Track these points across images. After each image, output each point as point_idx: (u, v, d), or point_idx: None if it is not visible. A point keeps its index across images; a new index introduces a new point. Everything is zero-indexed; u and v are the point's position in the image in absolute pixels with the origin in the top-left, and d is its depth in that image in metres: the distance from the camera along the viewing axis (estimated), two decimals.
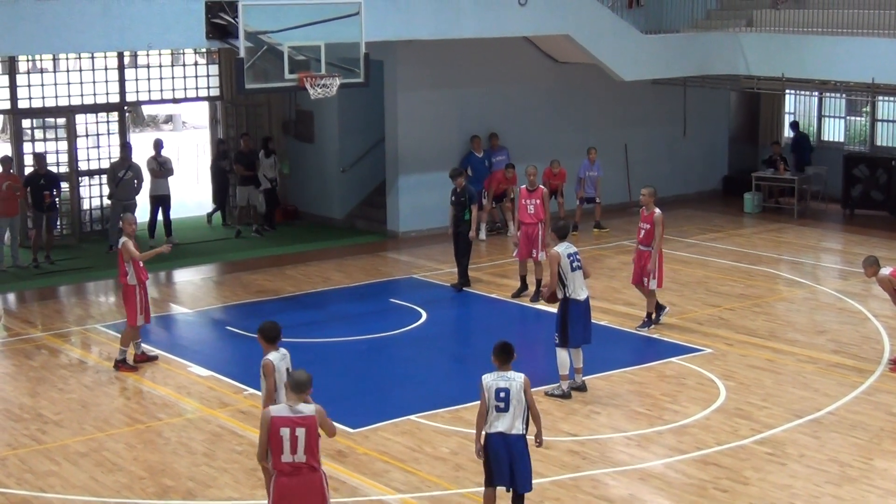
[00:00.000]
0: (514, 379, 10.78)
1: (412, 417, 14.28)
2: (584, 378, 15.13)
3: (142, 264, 16.10)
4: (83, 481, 12.57)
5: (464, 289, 20.12)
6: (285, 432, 9.60)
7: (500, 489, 10.95)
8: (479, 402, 10.85)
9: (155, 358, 16.53)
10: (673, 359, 16.51)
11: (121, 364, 16.17)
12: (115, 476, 12.69)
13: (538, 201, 19.35)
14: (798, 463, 12.89)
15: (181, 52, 25.70)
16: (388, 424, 14.08)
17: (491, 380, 10.81)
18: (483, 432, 10.83)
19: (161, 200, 23.84)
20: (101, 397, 15.25)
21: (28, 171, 23.06)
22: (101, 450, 13.42)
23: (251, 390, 15.28)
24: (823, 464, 12.85)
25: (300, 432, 9.60)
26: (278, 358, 11.30)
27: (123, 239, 16.06)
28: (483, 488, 11.11)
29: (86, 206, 24.63)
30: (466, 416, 14.27)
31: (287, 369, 11.21)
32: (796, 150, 27.85)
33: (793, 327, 18.12)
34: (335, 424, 10.09)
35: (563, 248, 14.77)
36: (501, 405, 10.69)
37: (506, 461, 10.73)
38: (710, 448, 13.31)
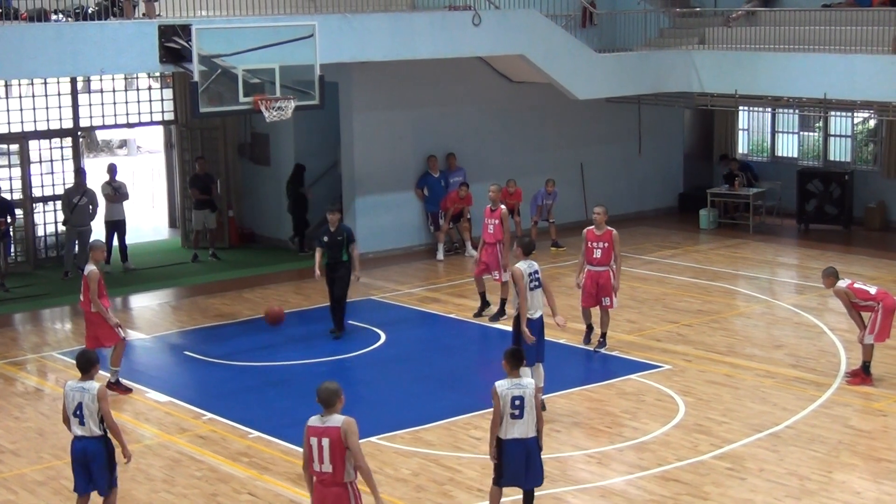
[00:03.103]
0: (527, 386, 11.09)
1: (372, 439, 14.23)
2: (543, 396, 15.13)
3: (105, 292, 15.92)
4: None
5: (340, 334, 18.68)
6: (314, 442, 9.86)
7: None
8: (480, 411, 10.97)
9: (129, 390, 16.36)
10: (632, 375, 16.55)
11: (114, 385, 16.01)
12: None
13: (496, 221, 19.38)
14: (758, 477, 12.94)
15: (135, 76, 25.59)
16: None
17: (506, 388, 11.04)
18: (496, 437, 11.16)
19: (116, 226, 23.71)
20: (58, 425, 15.02)
21: None
22: (58, 478, 13.30)
23: (210, 415, 15.22)
24: (783, 477, 12.91)
25: (325, 443, 9.80)
26: (70, 387, 11.41)
27: (92, 268, 15.79)
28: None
29: (40, 232, 24.44)
30: (427, 437, 14.26)
31: (80, 402, 11.26)
32: (743, 176, 27.92)
33: (750, 342, 18.21)
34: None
35: (526, 266, 14.78)
36: (516, 412, 11.02)
37: (522, 464, 11.14)
38: (671, 464, 13.34)
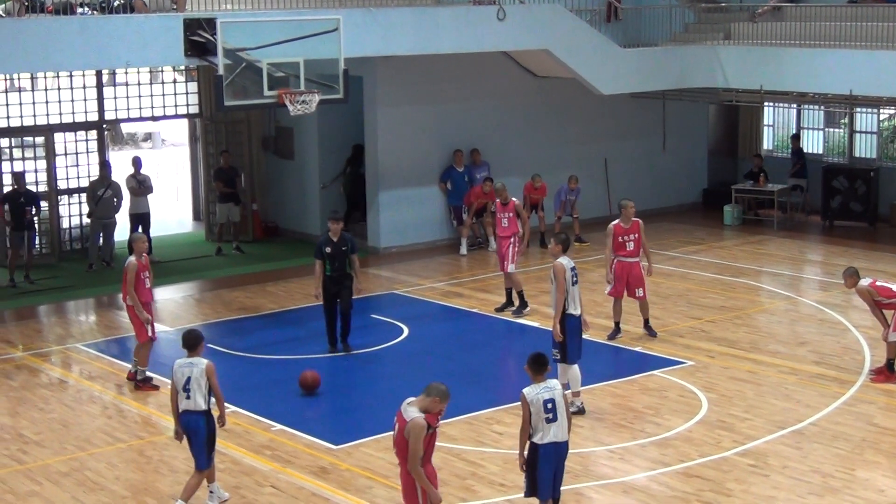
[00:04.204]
0: (555, 388, 11.00)
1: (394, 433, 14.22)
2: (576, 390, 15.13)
3: (147, 285, 15.94)
4: (65, 501, 12.51)
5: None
6: (395, 422, 10.25)
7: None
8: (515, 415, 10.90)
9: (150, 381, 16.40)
10: (655, 371, 16.52)
11: (140, 383, 16.08)
12: (97, 496, 12.63)
13: (511, 215, 19.41)
14: (781, 474, 12.90)
15: (160, 69, 25.66)
16: (371, 440, 14.04)
17: (535, 393, 10.92)
18: (528, 443, 11.05)
19: (141, 218, 23.76)
20: (82, 416, 15.19)
21: (6, 189, 22.97)
22: (82, 469, 13.37)
23: (233, 408, 15.23)
24: (806, 475, 12.87)
25: (396, 428, 10.19)
26: (179, 364, 11.97)
27: (131, 258, 15.86)
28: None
29: (65, 224, 24.56)
30: (449, 431, 14.26)
31: (189, 377, 11.80)
32: (796, 162, 27.69)
33: (774, 339, 18.16)
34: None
35: (566, 262, 14.73)
36: (550, 416, 10.88)
37: (552, 471, 10.99)
38: (693, 460, 13.32)
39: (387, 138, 24.28)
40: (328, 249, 17.10)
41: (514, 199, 19.79)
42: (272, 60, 18.69)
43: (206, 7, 20.32)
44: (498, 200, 19.75)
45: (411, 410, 10.09)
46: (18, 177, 22.45)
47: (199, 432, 11.84)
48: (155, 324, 16.31)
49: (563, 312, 14.65)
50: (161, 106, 25.76)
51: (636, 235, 17.60)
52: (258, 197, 26.23)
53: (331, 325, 17.54)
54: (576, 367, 14.70)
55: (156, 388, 16.09)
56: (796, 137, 28.20)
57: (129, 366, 16.46)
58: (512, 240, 19.35)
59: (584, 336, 14.98)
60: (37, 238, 23.20)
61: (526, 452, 11.02)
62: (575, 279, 14.75)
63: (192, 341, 12.06)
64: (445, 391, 10.20)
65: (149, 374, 16.23)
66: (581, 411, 14.69)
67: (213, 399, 11.99)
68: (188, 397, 11.79)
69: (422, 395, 10.19)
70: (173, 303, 21.09)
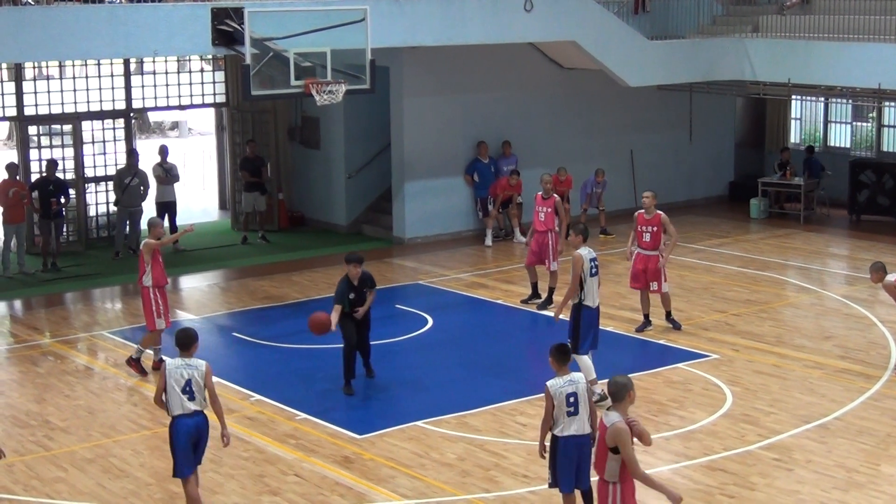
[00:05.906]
0: (579, 382, 10.98)
1: (419, 423, 14.27)
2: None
3: (162, 268, 16.07)
4: (90, 487, 12.58)
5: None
6: None
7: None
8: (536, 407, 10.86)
9: None
10: (679, 364, 16.49)
11: (133, 362, 16.16)
12: (121, 482, 12.70)
13: (549, 209, 19.32)
14: (805, 469, 12.87)
15: (187, 58, 25.73)
16: (395, 430, 14.07)
17: (559, 387, 10.91)
18: (549, 434, 11.04)
19: (167, 207, 23.86)
20: (107, 403, 15.26)
21: (35, 177, 23.06)
22: (107, 456, 13.43)
23: (258, 396, 15.30)
24: (830, 469, 12.83)
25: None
26: (175, 365, 11.31)
27: (147, 239, 16.03)
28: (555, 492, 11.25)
29: (92, 212, 24.67)
30: (472, 422, 14.28)
31: (189, 380, 11.21)
32: (809, 171, 27.34)
33: (799, 333, 18.10)
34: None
35: (586, 253, 14.73)
36: (572, 409, 10.88)
37: (574, 463, 10.96)
38: (717, 454, 13.30)
39: (413, 129, 24.28)
40: (352, 296, 15.56)
41: (555, 194, 19.64)
42: (299, 50, 18.70)
43: None
44: (539, 194, 19.58)
45: (612, 415, 9.74)
46: (51, 165, 22.54)
47: (206, 435, 11.45)
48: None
49: (580, 304, 14.67)
50: (188, 95, 25.83)
51: (655, 228, 17.54)
52: (284, 186, 26.29)
53: (350, 360, 15.68)
54: (585, 357, 14.65)
55: (144, 374, 16.19)
56: (811, 149, 27.67)
57: (152, 355, 16.53)
58: (549, 235, 19.24)
59: (600, 328, 14.98)
60: (64, 226, 23.31)
61: (548, 443, 11.05)
62: (594, 271, 14.73)
63: (187, 340, 11.39)
64: (627, 384, 9.82)
65: (163, 357, 16.32)
66: (603, 398, 14.67)
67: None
68: (192, 398, 11.23)
69: (613, 403, 9.82)
70: (199, 291, 21.17)
